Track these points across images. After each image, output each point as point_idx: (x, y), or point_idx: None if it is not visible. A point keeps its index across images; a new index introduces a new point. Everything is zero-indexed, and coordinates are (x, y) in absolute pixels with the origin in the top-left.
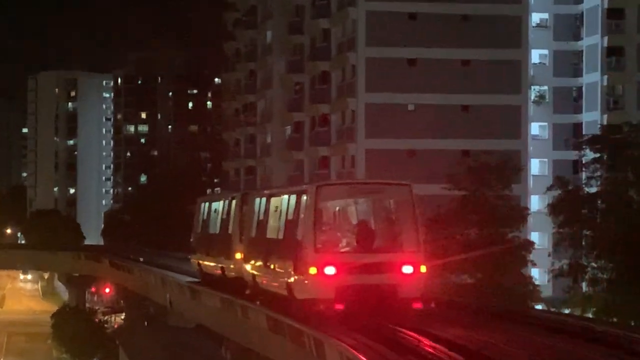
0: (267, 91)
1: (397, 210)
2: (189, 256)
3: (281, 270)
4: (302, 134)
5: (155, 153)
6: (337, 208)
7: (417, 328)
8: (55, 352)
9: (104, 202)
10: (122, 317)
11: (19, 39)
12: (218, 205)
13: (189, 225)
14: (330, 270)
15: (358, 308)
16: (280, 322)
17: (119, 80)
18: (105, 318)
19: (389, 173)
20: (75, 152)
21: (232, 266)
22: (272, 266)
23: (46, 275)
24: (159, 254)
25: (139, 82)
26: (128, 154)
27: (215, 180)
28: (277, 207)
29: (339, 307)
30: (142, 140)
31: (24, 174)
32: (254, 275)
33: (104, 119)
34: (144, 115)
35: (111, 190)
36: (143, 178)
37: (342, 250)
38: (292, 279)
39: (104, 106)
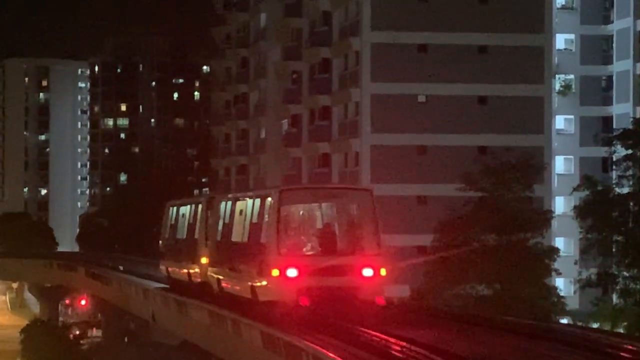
0: (260, 81)
1: (359, 214)
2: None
3: (245, 274)
4: (300, 129)
5: (137, 150)
6: (301, 212)
7: (379, 329)
8: None
9: (79, 204)
10: (100, 332)
11: None
12: (185, 210)
13: None
14: (292, 272)
15: (320, 309)
16: (275, 339)
17: (96, 69)
18: (81, 333)
19: (397, 172)
20: (47, 149)
21: (197, 271)
22: (236, 269)
23: (15, 286)
24: (141, 262)
25: (118, 70)
26: (106, 150)
27: (204, 180)
28: (242, 211)
29: (304, 302)
30: (122, 135)
31: None
32: (218, 279)
33: (79, 112)
34: (123, 108)
35: (87, 191)
36: (123, 177)
37: (305, 253)
38: (255, 282)
39: (79, 97)
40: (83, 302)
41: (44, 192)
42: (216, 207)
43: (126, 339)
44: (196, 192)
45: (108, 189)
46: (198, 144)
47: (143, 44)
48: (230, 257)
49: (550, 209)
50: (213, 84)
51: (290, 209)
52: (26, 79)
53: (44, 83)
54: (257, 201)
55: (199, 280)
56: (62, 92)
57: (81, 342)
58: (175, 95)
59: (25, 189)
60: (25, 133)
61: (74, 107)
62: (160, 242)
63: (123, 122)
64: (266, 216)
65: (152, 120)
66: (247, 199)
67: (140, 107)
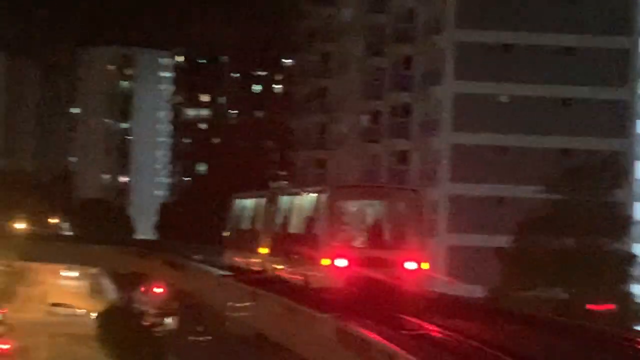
0: (342, 76)
1: (405, 212)
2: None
3: (300, 262)
4: (380, 125)
5: (217, 140)
6: (352, 208)
7: (416, 316)
8: (99, 355)
9: (159, 193)
10: (174, 320)
11: (71, 8)
12: (248, 203)
13: None
14: (341, 262)
15: (368, 298)
16: (349, 334)
17: (180, 59)
18: (156, 321)
19: (477, 171)
20: (129, 137)
21: (258, 260)
22: (292, 259)
23: (93, 272)
24: (217, 252)
25: (201, 61)
26: (187, 140)
27: (282, 173)
28: (299, 205)
29: (349, 292)
30: (203, 126)
31: (71, 159)
32: (276, 268)
33: (161, 101)
34: (205, 98)
35: (166, 180)
36: (202, 168)
37: (354, 245)
38: (308, 270)
39: (162, 87)
40: (159, 290)
41: (123, 179)
42: (276, 201)
43: (200, 328)
44: (274, 184)
45: (187, 179)
46: (277, 137)
47: (227, 35)
48: (287, 247)
49: (630, 214)
50: (294, 77)
51: (342, 205)
52: (110, 66)
53: (128, 71)
54: (314, 196)
55: (259, 268)
56: (145, 81)
57: (156, 329)
58: (257, 87)
59: (106, 176)
60: (107, 120)
61: (157, 97)
62: (225, 232)
63: (204, 112)
64: (320, 211)
65: (234, 111)
66: (304, 194)
67: (222, 98)
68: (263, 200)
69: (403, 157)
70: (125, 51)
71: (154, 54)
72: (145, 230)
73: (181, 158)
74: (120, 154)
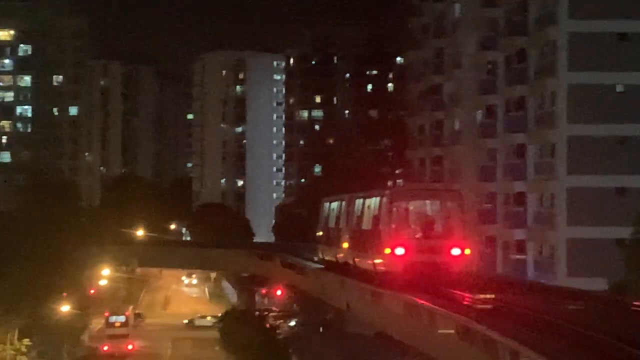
0: (456, 71)
1: (450, 209)
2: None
3: (370, 252)
4: (495, 120)
5: (331, 141)
6: (408, 207)
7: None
8: (221, 358)
9: (275, 195)
10: (296, 322)
11: (184, 17)
12: (334, 205)
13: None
14: (400, 250)
15: (420, 277)
16: (471, 330)
17: (292, 61)
18: (277, 323)
19: (595, 162)
20: (244, 141)
21: (341, 254)
22: (364, 250)
23: (213, 276)
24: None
25: (314, 62)
26: (301, 142)
27: (398, 171)
28: (369, 206)
29: (407, 275)
30: (317, 127)
31: (189, 165)
32: (354, 258)
33: (274, 104)
34: (318, 99)
35: (283, 182)
36: (317, 169)
37: (410, 236)
38: (376, 258)
39: (275, 89)
40: (279, 292)
41: (240, 183)
42: (353, 203)
43: (321, 329)
44: (390, 183)
45: (303, 180)
46: (392, 135)
47: (338, 35)
48: (362, 241)
49: None
50: (408, 75)
51: (400, 205)
52: (224, 71)
53: (241, 75)
54: (378, 199)
55: (343, 259)
56: (259, 85)
57: (277, 331)
58: (370, 86)
59: (223, 180)
60: (223, 125)
61: (270, 99)
62: (317, 230)
63: (318, 113)
64: (382, 210)
65: (347, 111)
66: (372, 197)
67: (335, 98)
68: (344, 203)
69: (519, 151)
70: (238, 55)
71: (266, 57)
72: (263, 232)
73: (296, 160)
74: (237, 158)
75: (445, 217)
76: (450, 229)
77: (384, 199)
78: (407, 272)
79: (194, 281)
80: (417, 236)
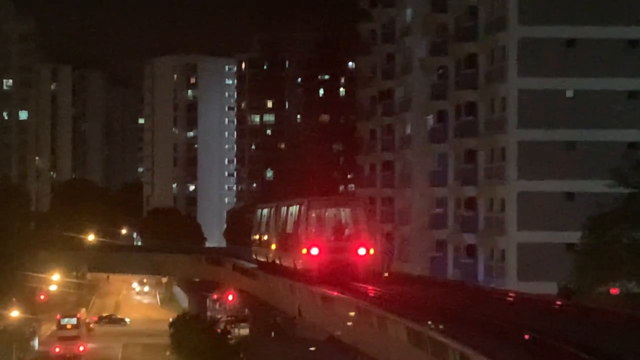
0: (406, 76)
1: (356, 215)
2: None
3: (291, 253)
4: (446, 125)
5: (283, 145)
6: (320, 213)
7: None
8: None
9: (226, 199)
10: (247, 327)
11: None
12: (264, 212)
13: None
14: (314, 251)
15: (332, 274)
16: (422, 335)
17: (243, 65)
18: (229, 328)
19: (544, 167)
20: (196, 145)
21: (270, 254)
22: (287, 250)
23: (164, 280)
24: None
25: (265, 67)
26: (252, 146)
27: (349, 176)
28: (291, 213)
29: (321, 271)
30: (268, 132)
31: (140, 169)
32: (280, 258)
33: (226, 108)
34: (270, 104)
35: (234, 187)
36: (269, 173)
37: (322, 239)
38: (295, 258)
39: (226, 94)
40: (230, 297)
41: (192, 187)
42: (279, 211)
43: (273, 334)
44: (341, 188)
45: (254, 184)
46: (343, 140)
47: (289, 40)
48: (285, 243)
49: None
50: (358, 80)
51: (314, 212)
52: (175, 76)
53: (192, 80)
54: (297, 207)
55: (272, 259)
56: (210, 89)
57: (229, 336)
58: (321, 91)
59: (174, 185)
60: (174, 129)
61: (221, 104)
62: (252, 234)
63: (269, 118)
64: (301, 216)
65: (298, 116)
66: (293, 205)
67: (286, 103)
68: (273, 210)
69: (470, 156)
70: (189, 59)
71: (217, 62)
72: (215, 237)
73: (247, 164)
74: (188, 163)
75: (353, 222)
76: (357, 232)
77: (302, 207)
78: (320, 268)
79: (146, 288)
80: (329, 238)
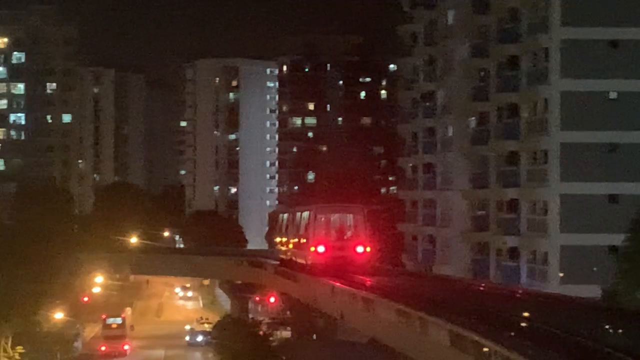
0: (447, 79)
1: (356, 219)
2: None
3: (303, 251)
4: (488, 127)
5: (324, 148)
6: (327, 218)
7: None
8: None
9: (267, 202)
10: (288, 329)
11: (173, 25)
12: (282, 217)
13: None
14: (321, 249)
15: (335, 268)
16: (463, 338)
17: (284, 68)
18: (270, 330)
19: (587, 169)
20: (237, 148)
21: (288, 252)
22: (300, 249)
23: (206, 283)
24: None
25: (306, 70)
26: (294, 149)
27: (390, 178)
28: (303, 217)
29: (326, 266)
30: (309, 134)
31: (182, 172)
32: (294, 255)
33: (267, 111)
34: (311, 107)
35: (275, 189)
36: (310, 176)
37: (327, 239)
38: (306, 255)
39: (267, 96)
40: (272, 300)
41: (233, 190)
42: (295, 215)
43: (314, 336)
44: (383, 190)
45: (296, 187)
46: (385, 143)
47: (330, 43)
48: (298, 242)
49: None
50: (400, 82)
51: (321, 217)
52: (217, 79)
53: (234, 83)
54: (308, 212)
55: (289, 257)
56: (251, 92)
57: (270, 338)
58: (362, 94)
59: (216, 188)
60: (216, 132)
61: (263, 107)
62: (275, 237)
63: (310, 120)
64: (310, 220)
65: (339, 118)
66: (304, 211)
67: (328, 105)
68: (289, 215)
69: (512, 158)
70: (230, 62)
71: (258, 64)
72: (256, 239)
73: (289, 167)
74: (230, 165)
75: (354, 225)
76: (356, 233)
77: (311, 213)
78: (326, 263)
79: (189, 293)
80: (333, 238)
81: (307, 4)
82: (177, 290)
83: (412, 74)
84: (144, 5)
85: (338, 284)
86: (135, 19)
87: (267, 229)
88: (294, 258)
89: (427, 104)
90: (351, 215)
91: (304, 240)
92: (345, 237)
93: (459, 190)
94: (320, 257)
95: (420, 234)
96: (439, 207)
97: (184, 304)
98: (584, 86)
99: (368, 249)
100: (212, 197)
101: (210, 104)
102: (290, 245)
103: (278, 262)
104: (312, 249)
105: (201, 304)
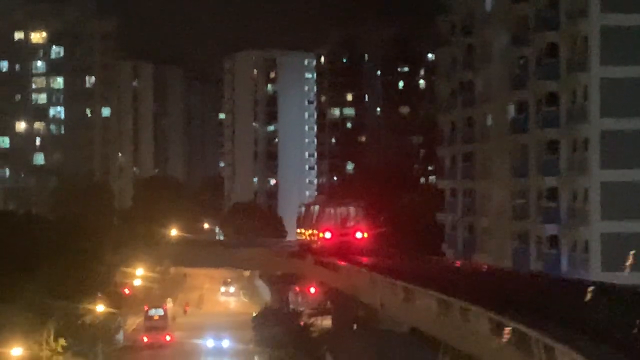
0: (486, 67)
1: (356, 212)
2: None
3: (314, 236)
4: (527, 115)
5: (363, 139)
6: (332, 211)
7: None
8: (257, 357)
9: (307, 193)
10: (329, 320)
11: (211, 18)
12: (303, 209)
13: (403, 220)
14: (327, 234)
15: (338, 250)
16: (503, 326)
17: (322, 60)
18: (311, 321)
19: (628, 157)
20: (276, 140)
21: (306, 239)
22: (313, 235)
23: (247, 274)
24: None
25: (344, 60)
26: (333, 140)
27: (430, 168)
28: (315, 210)
29: (330, 247)
30: (348, 125)
31: (221, 164)
32: (312, 240)
33: (306, 102)
34: (349, 97)
35: (315, 181)
36: (349, 166)
37: (332, 226)
38: (316, 239)
39: (305, 88)
40: (312, 290)
41: (272, 181)
42: (310, 208)
43: (355, 327)
44: (422, 180)
45: (335, 178)
46: (423, 132)
47: (368, 34)
48: (312, 230)
49: None
50: (438, 72)
51: (328, 210)
52: (255, 71)
53: (272, 75)
54: (318, 206)
55: (306, 242)
56: (289, 84)
57: (311, 328)
58: (401, 84)
59: (255, 179)
60: (254, 124)
61: (301, 98)
62: (298, 226)
63: (349, 111)
64: (319, 212)
65: (378, 109)
66: (317, 205)
67: (366, 96)
68: (306, 208)
69: (551, 147)
70: (268, 54)
71: (296, 56)
72: (295, 231)
73: (328, 158)
74: (269, 157)
75: (354, 216)
76: (356, 222)
77: (319, 206)
78: (331, 246)
79: (232, 289)
80: (337, 226)
81: None
82: (221, 288)
83: (451, 64)
84: None
85: (375, 273)
86: (174, 12)
87: None
88: (308, 242)
89: (466, 93)
90: (352, 209)
91: (315, 229)
92: (347, 225)
93: (499, 179)
94: (327, 241)
95: (460, 224)
96: (478, 196)
97: (226, 299)
98: (623, 73)
99: (366, 235)
100: (251, 189)
101: (249, 96)
102: (307, 233)
103: (297, 248)
104: (321, 235)
105: (242, 295)
